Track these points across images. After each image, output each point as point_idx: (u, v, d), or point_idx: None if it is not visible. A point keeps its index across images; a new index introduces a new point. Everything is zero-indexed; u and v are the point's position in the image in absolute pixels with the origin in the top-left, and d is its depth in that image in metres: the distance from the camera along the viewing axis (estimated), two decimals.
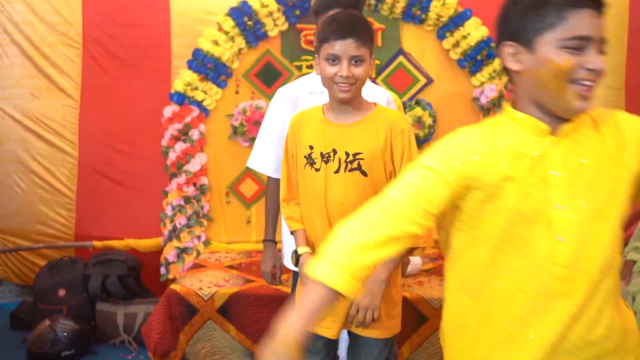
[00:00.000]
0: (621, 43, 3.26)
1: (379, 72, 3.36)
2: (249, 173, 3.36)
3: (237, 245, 3.28)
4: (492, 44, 3.25)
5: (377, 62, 3.35)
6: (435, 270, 2.93)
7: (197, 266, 2.89)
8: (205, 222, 3.28)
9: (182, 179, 3.23)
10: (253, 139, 3.28)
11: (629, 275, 2.00)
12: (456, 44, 3.29)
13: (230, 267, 2.90)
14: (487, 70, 3.28)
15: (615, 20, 3.18)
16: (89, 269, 2.99)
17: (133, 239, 3.29)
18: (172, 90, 3.24)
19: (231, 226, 3.35)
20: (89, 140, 3.33)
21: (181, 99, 3.23)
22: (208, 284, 2.58)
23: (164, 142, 3.26)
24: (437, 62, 3.37)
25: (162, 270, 3.21)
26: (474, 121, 3.41)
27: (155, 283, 3.26)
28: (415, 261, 2.80)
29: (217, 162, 3.33)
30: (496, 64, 3.25)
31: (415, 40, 3.36)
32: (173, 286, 2.51)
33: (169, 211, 3.23)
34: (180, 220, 3.20)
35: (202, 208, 3.27)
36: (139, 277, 3.16)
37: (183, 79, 3.22)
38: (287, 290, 2.48)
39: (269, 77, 3.33)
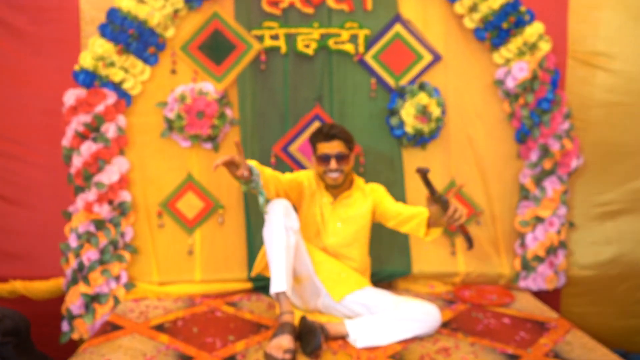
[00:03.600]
0: None
1: (368, 46, 2.47)
2: (190, 184, 2.42)
3: (174, 288, 2.34)
4: (522, 8, 2.41)
5: (367, 32, 2.47)
6: (457, 321, 2.06)
7: (109, 328, 1.92)
8: (127, 256, 2.30)
9: (92, 194, 2.25)
10: (195, 137, 2.38)
11: None
12: (473, 8, 2.44)
13: (160, 328, 1.94)
14: (514, 44, 2.44)
15: None
16: None
17: (22, 280, 2.29)
18: (77, 67, 2.26)
19: (166, 260, 2.39)
20: None
21: (90, 79, 2.26)
22: None
23: (65, 142, 2.28)
24: (446, 33, 2.52)
25: (64, 326, 2.23)
26: (496, 112, 2.58)
27: (55, 343, 2.29)
28: (432, 312, 1.91)
29: (144, 169, 2.39)
30: (527, 34, 2.42)
31: (416, 4, 2.50)
32: None
33: (72, 241, 2.25)
34: (90, 254, 2.23)
35: (122, 235, 2.30)
36: (27, 339, 2.15)
37: (93, 51, 2.26)
38: None
39: (217, 51, 2.42)
